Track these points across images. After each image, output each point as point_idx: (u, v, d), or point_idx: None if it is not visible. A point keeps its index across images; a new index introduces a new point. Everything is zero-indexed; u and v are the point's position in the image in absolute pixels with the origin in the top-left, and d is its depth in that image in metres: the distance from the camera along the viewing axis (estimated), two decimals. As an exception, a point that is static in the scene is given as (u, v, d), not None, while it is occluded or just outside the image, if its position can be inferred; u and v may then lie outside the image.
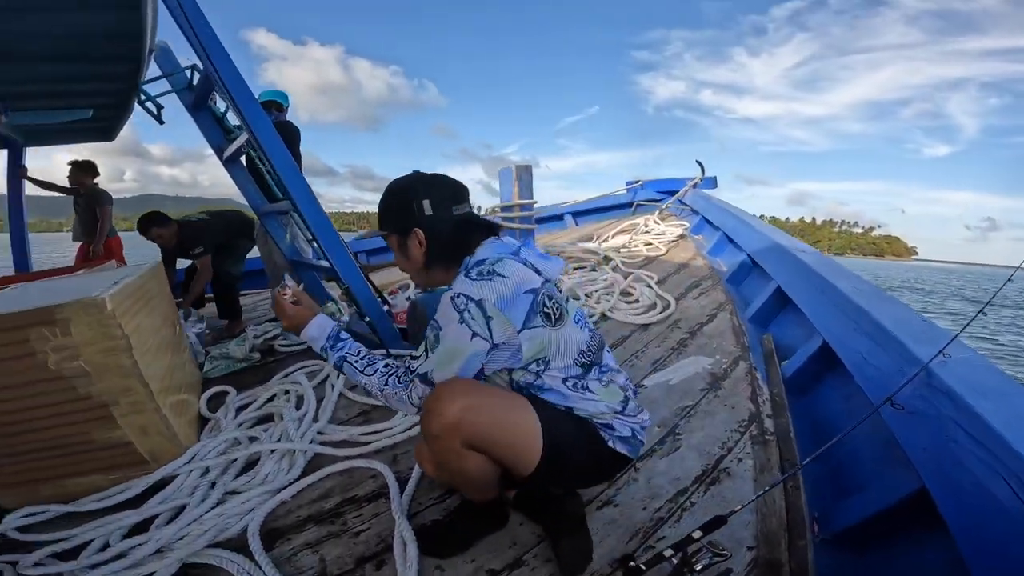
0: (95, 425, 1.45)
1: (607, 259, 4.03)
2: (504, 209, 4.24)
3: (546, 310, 1.12)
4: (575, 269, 3.93)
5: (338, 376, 2.18)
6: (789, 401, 1.89)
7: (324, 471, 1.60)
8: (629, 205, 6.32)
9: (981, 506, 1.03)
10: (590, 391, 1.16)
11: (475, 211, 1.26)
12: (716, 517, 1.07)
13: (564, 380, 1.15)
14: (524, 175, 4.21)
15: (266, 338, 2.80)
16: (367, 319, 2.34)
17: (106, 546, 1.33)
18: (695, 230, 4.93)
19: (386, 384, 1.16)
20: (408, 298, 3.01)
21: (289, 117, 3.89)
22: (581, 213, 6.60)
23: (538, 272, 1.17)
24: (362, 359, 1.21)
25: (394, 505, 1.39)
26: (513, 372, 1.16)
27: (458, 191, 1.21)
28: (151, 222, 3.22)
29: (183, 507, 1.45)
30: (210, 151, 3.38)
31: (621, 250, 4.37)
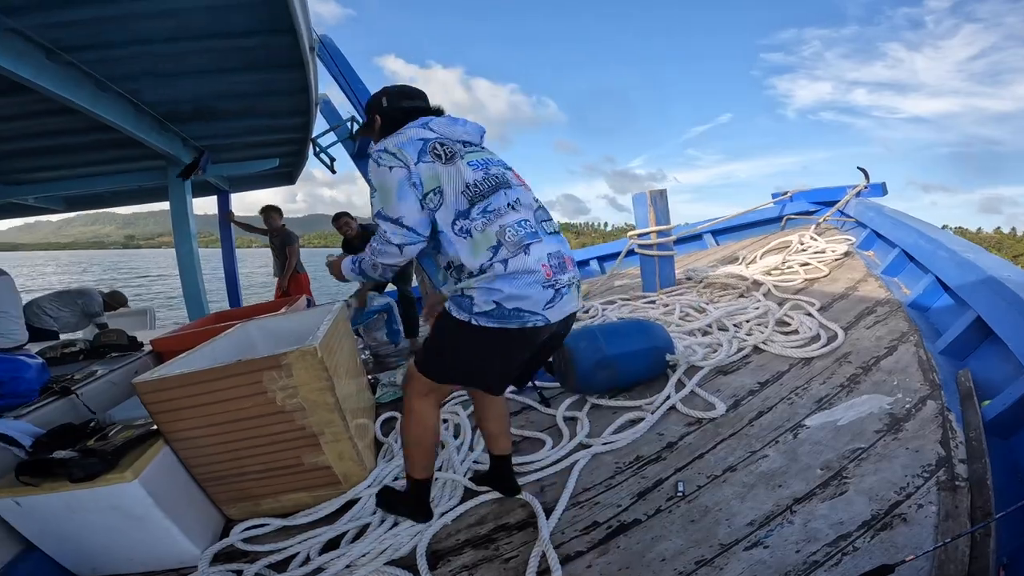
0: (306, 451, 1.74)
1: (757, 284, 3.71)
2: (640, 236, 4.16)
3: (437, 151, 1.35)
4: (720, 296, 3.69)
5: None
6: (988, 445, 1.64)
7: (479, 498, 1.72)
8: (778, 220, 5.66)
9: None
10: (470, 236, 1.31)
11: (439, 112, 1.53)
12: (882, 565, 1.00)
13: (453, 222, 1.32)
14: (659, 200, 4.09)
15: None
16: None
17: (307, 559, 1.56)
18: (863, 246, 4.28)
19: (369, 248, 1.42)
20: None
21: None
22: (722, 231, 6.07)
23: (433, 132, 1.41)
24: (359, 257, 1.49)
25: (542, 534, 1.46)
26: (436, 214, 1.34)
27: (410, 93, 1.54)
28: (342, 215, 4.23)
29: (367, 526, 1.66)
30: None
31: (773, 272, 3.98)
